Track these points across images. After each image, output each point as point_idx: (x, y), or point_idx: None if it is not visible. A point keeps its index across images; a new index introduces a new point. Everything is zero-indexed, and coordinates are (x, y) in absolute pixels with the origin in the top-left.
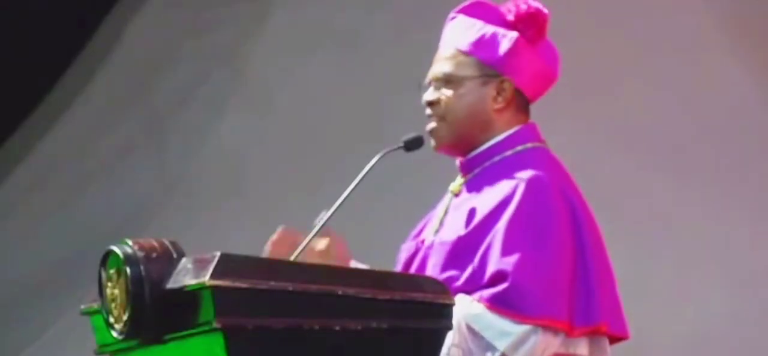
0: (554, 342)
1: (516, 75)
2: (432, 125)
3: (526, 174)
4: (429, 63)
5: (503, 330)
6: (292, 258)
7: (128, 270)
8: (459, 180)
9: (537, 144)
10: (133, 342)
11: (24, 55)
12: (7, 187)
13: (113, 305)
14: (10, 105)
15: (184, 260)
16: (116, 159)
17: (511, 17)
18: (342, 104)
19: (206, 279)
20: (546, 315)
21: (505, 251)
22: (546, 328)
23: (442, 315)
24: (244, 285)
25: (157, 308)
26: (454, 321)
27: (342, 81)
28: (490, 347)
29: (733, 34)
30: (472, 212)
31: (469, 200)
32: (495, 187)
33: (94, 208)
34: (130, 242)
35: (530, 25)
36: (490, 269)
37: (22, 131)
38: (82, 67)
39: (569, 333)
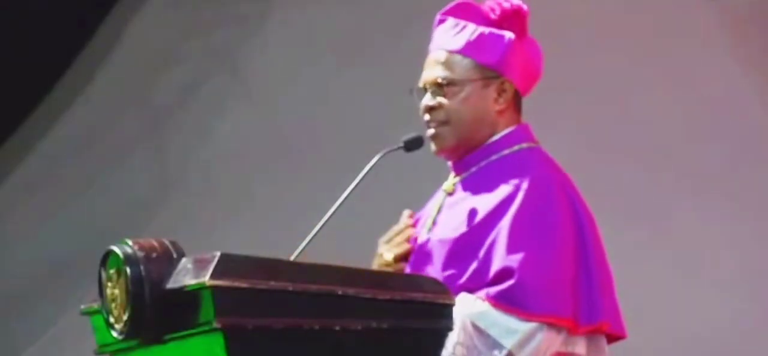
0: (557, 340)
1: (513, 75)
2: (433, 130)
3: (528, 173)
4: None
5: (509, 327)
6: (291, 258)
7: (128, 270)
8: (452, 179)
9: (532, 144)
10: (133, 342)
11: (24, 55)
12: (7, 187)
13: (113, 305)
14: (10, 105)
15: (184, 260)
16: (116, 159)
17: (495, 16)
18: (342, 104)
19: (206, 279)
20: (551, 313)
21: (511, 249)
22: (551, 326)
23: (443, 315)
24: (244, 285)
25: (157, 308)
26: (458, 320)
27: (342, 81)
28: (497, 345)
29: (733, 34)
30: (473, 211)
31: (466, 198)
32: (495, 186)
33: (93, 208)
34: (130, 242)
35: (515, 22)
36: (496, 265)
37: (22, 131)
38: (82, 67)
39: (573, 330)
